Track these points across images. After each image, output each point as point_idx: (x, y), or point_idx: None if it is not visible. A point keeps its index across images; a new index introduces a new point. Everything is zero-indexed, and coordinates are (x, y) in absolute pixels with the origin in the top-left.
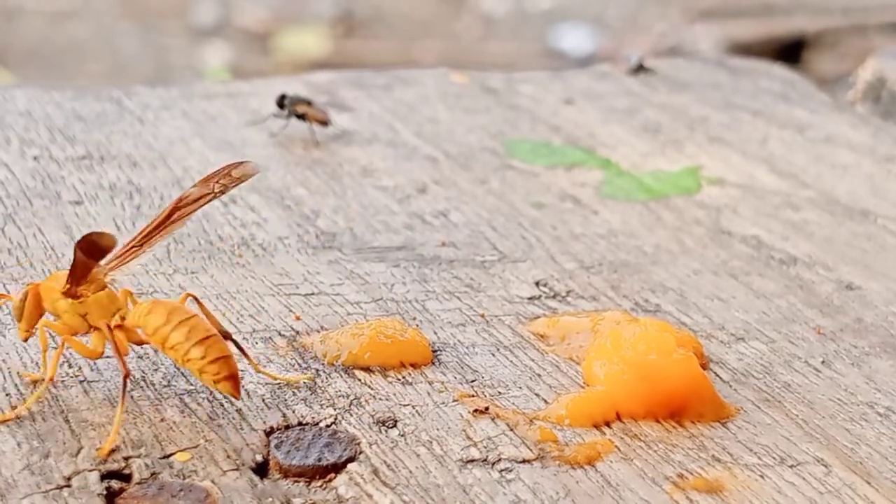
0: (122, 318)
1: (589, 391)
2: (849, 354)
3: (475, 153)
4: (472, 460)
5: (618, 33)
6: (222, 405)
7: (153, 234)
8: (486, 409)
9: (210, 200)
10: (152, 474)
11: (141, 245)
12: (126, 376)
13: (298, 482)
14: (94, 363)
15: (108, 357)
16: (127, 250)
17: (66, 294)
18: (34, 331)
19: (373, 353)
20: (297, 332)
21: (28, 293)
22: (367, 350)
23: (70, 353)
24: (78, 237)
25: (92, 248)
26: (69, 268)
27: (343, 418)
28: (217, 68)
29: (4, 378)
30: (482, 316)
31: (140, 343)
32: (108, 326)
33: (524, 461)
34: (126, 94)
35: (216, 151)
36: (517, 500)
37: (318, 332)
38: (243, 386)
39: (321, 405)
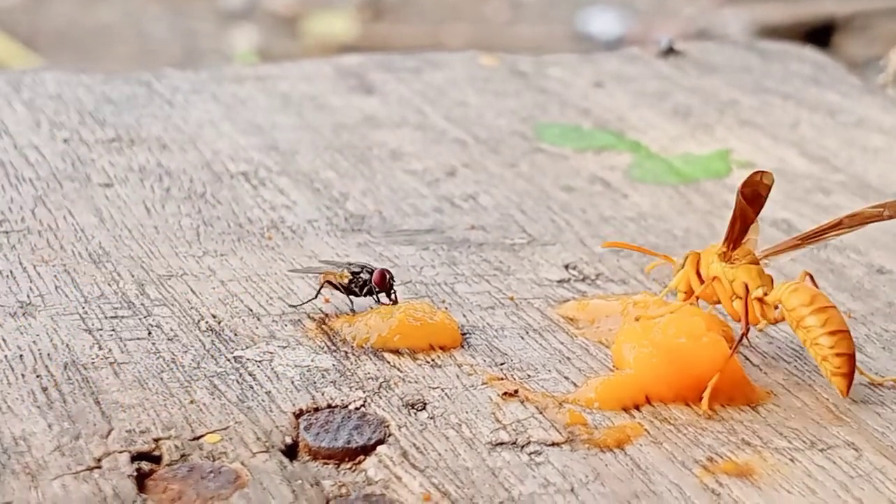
0: (765, 294)
1: (618, 374)
2: (879, 338)
3: (504, 136)
4: (501, 443)
5: (646, 17)
6: (252, 387)
7: (818, 236)
8: (516, 391)
9: (876, 221)
10: (182, 456)
11: (801, 242)
12: (744, 334)
13: (328, 464)
14: (125, 345)
15: (138, 338)
16: (788, 245)
17: (722, 257)
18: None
19: (402, 336)
20: (327, 315)
21: (688, 257)
22: (396, 333)
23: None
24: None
25: (753, 195)
26: (729, 223)
27: (372, 401)
28: (245, 52)
29: (35, 360)
30: (511, 299)
31: (772, 322)
32: (748, 293)
33: (553, 444)
34: (156, 77)
35: (246, 135)
36: (546, 482)
37: (348, 314)
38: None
39: (350, 388)
